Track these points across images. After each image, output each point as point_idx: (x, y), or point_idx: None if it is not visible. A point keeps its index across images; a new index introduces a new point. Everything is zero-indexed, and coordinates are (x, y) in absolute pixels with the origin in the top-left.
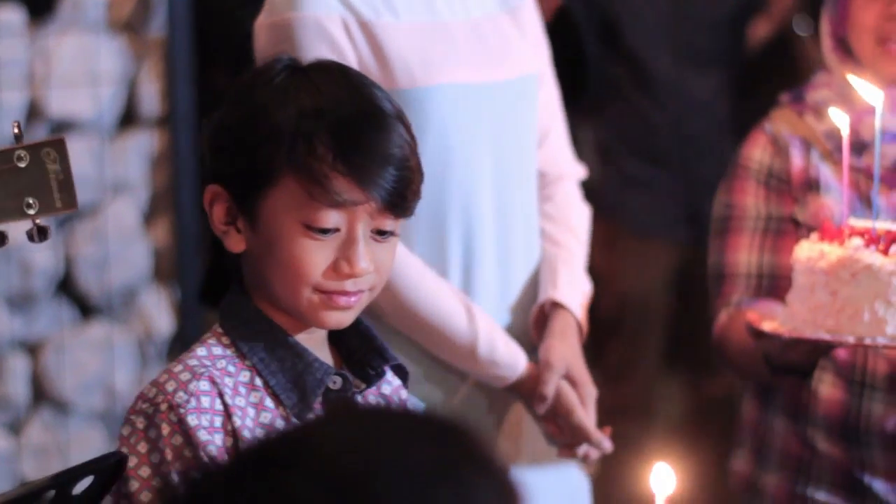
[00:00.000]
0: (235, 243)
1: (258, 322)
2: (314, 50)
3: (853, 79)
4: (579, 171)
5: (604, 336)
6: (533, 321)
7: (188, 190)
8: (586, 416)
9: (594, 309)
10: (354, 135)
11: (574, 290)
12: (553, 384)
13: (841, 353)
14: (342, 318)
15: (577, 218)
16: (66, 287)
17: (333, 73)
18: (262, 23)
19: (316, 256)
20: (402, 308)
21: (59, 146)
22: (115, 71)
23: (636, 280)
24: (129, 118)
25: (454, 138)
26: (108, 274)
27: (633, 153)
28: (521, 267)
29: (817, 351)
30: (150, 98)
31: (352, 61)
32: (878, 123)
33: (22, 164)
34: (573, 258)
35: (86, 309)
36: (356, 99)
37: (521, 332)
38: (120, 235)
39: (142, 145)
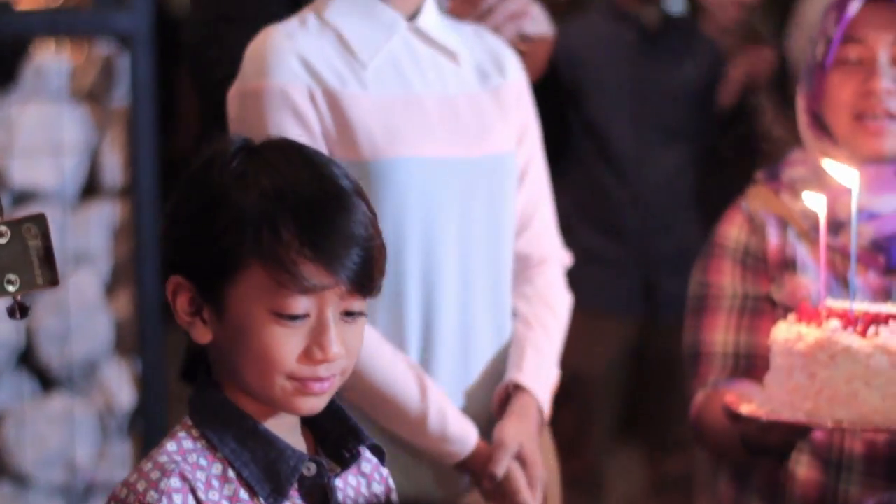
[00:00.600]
0: (202, 334)
1: (227, 412)
2: (279, 118)
3: (828, 163)
4: (564, 258)
5: (556, 409)
6: (495, 401)
7: (150, 261)
8: (532, 498)
9: None
10: (318, 217)
11: (540, 375)
12: (504, 463)
13: (818, 434)
14: (316, 404)
15: (555, 303)
16: (27, 359)
17: (290, 152)
18: (233, 91)
19: (287, 344)
20: (354, 378)
21: (40, 221)
22: (78, 141)
23: (591, 355)
24: (91, 188)
25: (415, 212)
26: (69, 346)
27: (592, 226)
28: (484, 346)
29: (795, 433)
30: (113, 168)
31: (315, 130)
32: (854, 205)
33: (2, 241)
34: (544, 342)
35: (46, 381)
36: (316, 178)
37: (483, 410)
38: (81, 307)
39: (104, 216)
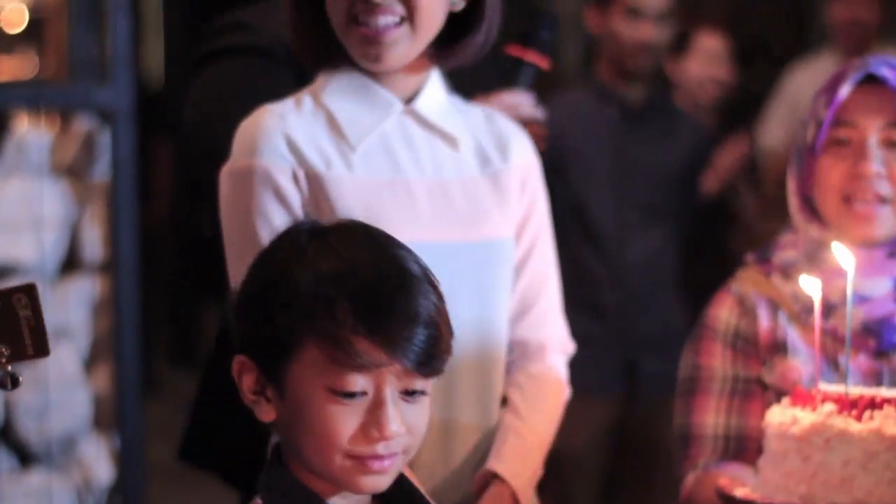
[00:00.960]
0: (266, 413)
1: (296, 491)
2: (263, 198)
3: (835, 245)
4: (567, 346)
5: (537, 491)
6: (474, 488)
7: (129, 336)
8: None
9: None
10: (375, 296)
11: (520, 464)
12: None
13: None
14: (378, 483)
15: (548, 393)
16: (6, 434)
17: (356, 235)
18: (224, 170)
19: (344, 422)
20: None
21: (30, 292)
22: (58, 215)
23: (571, 434)
24: (71, 263)
25: None
26: (47, 421)
27: (572, 304)
28: (468, 433)
29: None
30: (93, 243)
31: (297, 211)
32: (849, 289)
33: None
34: (529, 432)
35: (25, 457)
36: (378, 260)
37: (464, 498)
38: (61, 382)
39: (84, 291)
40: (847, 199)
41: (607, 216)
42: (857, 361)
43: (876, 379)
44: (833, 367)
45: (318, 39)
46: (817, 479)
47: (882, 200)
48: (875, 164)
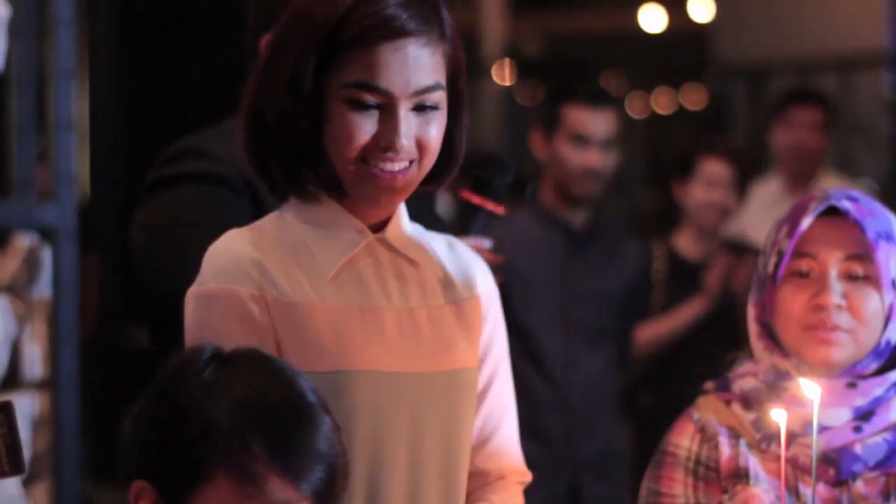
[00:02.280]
0: None
1: None
2: (230, 322)
3: (801, 381)
4: (525, 476)
5: None
6: None
7: (70, 454)
8: None
9: None
10: (287, 432)
11: None
12: None
13: None
14: None
15: None
16: None
17: (259, 364)
18: (190, 292)
19: None
20: None
21: (7, 410)
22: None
23: None
24: (11, 379)
25: (364, 426)
26: None
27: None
28: None
29: None
30: (33, 360)
31: (269, 337)
32: (815, 419)
33: None
34: None
35: None
36: (285, 392)
37: None
38: (1, 501)
39: (23, 408)
40: (807, 329)
41: (552, 339)
42: (818, 490)
43: None
44: (794, 495)
45: (286, 171)
46: None
47: (842, 331)
48: (835, 296)
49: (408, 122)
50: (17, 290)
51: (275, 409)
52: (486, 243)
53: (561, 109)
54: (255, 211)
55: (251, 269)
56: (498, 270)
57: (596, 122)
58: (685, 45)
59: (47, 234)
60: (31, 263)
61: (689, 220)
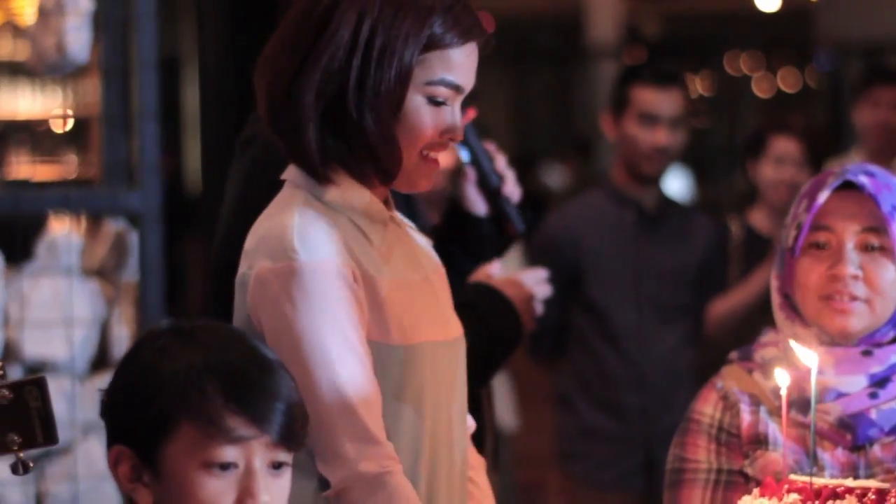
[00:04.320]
0: (143, 498)
1: None
2: (337, 291)
3: (794, 344)
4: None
5: None
6: None
7: None
8: None
9: None
10: (241, 377)
11: None
12: None
13: None
14: None
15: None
16: None
17: (220, 330)
18: (268, 268)
19: (219, 495)
20: None
21: (40, 384)
22: (88, 314)
23: None
24: (100, 360)
25: (431, 394)
26: None
27: (593, 403)
28: None
29: None
30: (121, 341)
31: (363, 306)
32: (813, 384)
33: (5, 402)
34: None
35: None
36: (242, 349)
37: None
38: (90, 475)
39: None
40: (825, 299)
41: (626, 317)
42: (835, 455)
43: (853, 472)
44: (812, 460)
45: (323, 147)
46: None
47: (856, 300)
48: (851, 266)
49: None
50: (107, 273)
51: (230, 359)
52: (543, 274)
53: (629, 90)
54: None
55: (341, 245)
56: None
57: (663, 102)
58: (797, 23)
59: (134, 220)
60: (119, 248)
61: (763, 197)
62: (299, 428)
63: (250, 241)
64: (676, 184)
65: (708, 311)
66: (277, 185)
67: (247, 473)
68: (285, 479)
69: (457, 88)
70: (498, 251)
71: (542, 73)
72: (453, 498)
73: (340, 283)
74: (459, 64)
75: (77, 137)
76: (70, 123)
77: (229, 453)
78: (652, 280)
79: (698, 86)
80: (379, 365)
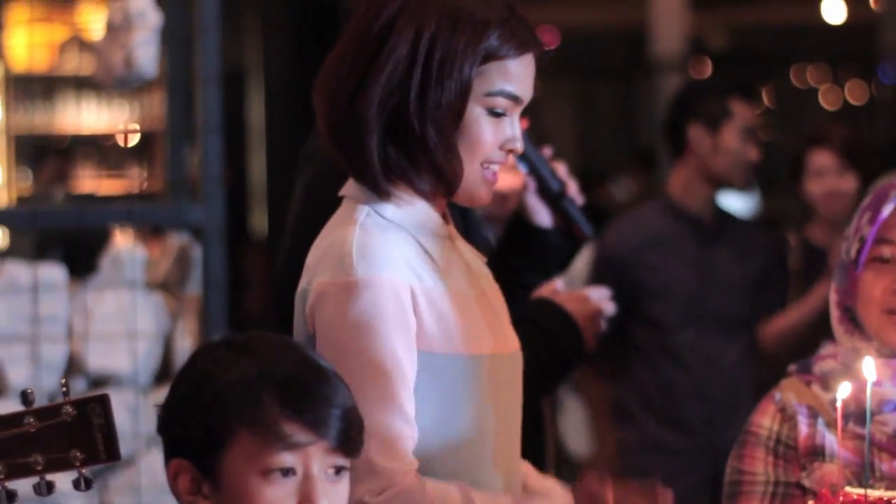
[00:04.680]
0: None
1: None
2: (393, 307)
3: (866, 359)
4: None
5: None
6: None
7: None
8: None
9: None
10: (297, 384)
11: None
12: None
13: None
14: None
15: None
16: None
17: (271, 340)
18: (327, 282)
19: (279, 501)
20: None
21: (103, 401)
22: (152, 327)
23: None
24: (164, 373)
25: (496, 405)
26: None
27: (655, 417)
28: None
29: None
30: (184, 354)
31: (413, 327)
32: (868, 389)
33: (69, 419)
34: None
35: None
36: (297, 358)
37: None
38: (153, 487)
39: None
40: (887, 311)
41: (688, 331)
42: (893, 467)
43: None
44: (870, 471)
45: (385, 161)
46: None
47: None
48: None
49: None
50: (170, 287)
51: (285, 367)
52: (606, 292)
53: (729, 103)
54: None
55: (401, 262)
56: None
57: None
58: (863, 34)
59: (197, 234)
60: (182, 261)
61: (816, 212)
62: (356, 433)
63: (312, 257)
64: (742, 198)
65: (767, 326)
66: (338, 201)
67: (306, 479)
68: (344, 484)
69: (515, 99)
70: (564, 261)
71: (608, 87)
72: None
73: (397, 301)
74: (517, 75)
75: (143, 152)
76: (136, 138)
77: (287, 459)
78: (712, 294)
79: (765, 98)
80: (445, 376)
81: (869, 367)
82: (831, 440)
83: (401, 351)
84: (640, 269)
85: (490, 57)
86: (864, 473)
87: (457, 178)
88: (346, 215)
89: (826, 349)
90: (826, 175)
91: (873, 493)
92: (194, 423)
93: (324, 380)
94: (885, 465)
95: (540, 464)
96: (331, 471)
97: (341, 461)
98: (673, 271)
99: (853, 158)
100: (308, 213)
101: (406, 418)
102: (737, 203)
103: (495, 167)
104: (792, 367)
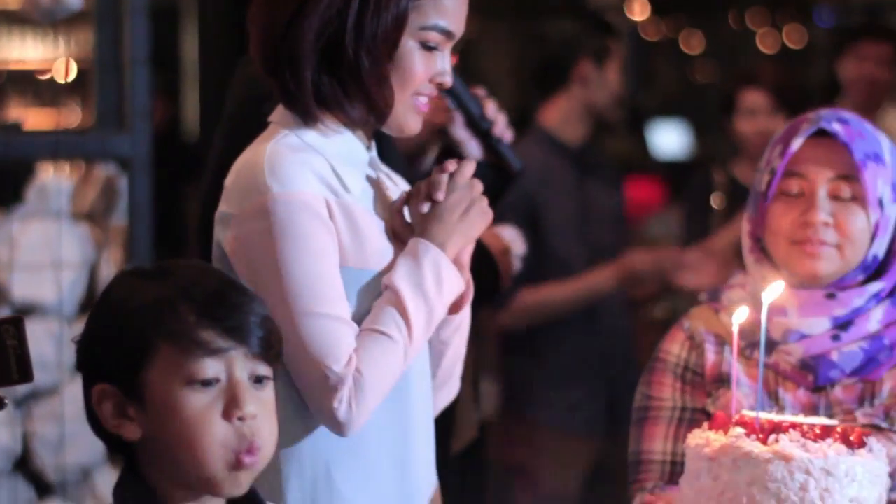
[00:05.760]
0: (132, 432)
1: (147, 500)
2: (310, 226)
3: (773, 282)
4: None
5: None
6: None
7: None
8: None
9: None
10: (215, 295)
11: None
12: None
13: None
14: (242, 481)
15: None
16: (23, 466)
17: (188, 263)
18: (244, 205)
19: (206, 409)
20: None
21: (17, 324)
22: (77, 258)
23: (554, 474)
24: (89, 303)
25: None
26: (63, 454)
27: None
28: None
29: None
30: None
31: (336, 239)
32: (764, 312)
33: None
34: None
35: (41, 487)
36: (213, 277)
37: None
38: (77, 416)
39: None
40: (796, 243)
41: (576, 260)
42: (797, 395)
43: (814, 412)
44: (774, 399)
45: (316, 89)
46: (725, 497)
47: (828, 246)
48: (822, 214)
49: None
50: (96, 218)
51: (202, 285)
52: (516, 231)
53: (613, 41)
54: None
55: (314, 176)
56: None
57: None
58: None
59: (124, 165)
60: (108, 193)
61: (743, 150)
62: (275, 341)
63: (229, 179)
64: (677, 137)
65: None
66: (262, 125)
67: (230, 385)
68: (268, 392)
69: (448, 34)
70: (495, 195)
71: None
72: (423, 415)
73: (312, 214)
74: (451, 10)
75: (80, 86)
76: (72, 73)
77: (210, 367)
78: (595, 225)
79: (701, 41)
80: (355, 290)
81: (775, 289)
82: (738, 368)
83: (327, 267)
84: (535, 204)
85: None
86: (766, 401)
87: (388, 108)
88: (263, 138)
89: (736, 279)
90: (757, 114)
91: (765, 416)
92: (114, 346)
93: (240, 292)
94: (789, 394)
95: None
96: (254, 379)
97: (263, 369)
98: (562, 202)
99: (784, 99)
100: (230, 139)
101: (342, 319)
102: (672, 142)
103: (424, 99)
104: (702, 296)
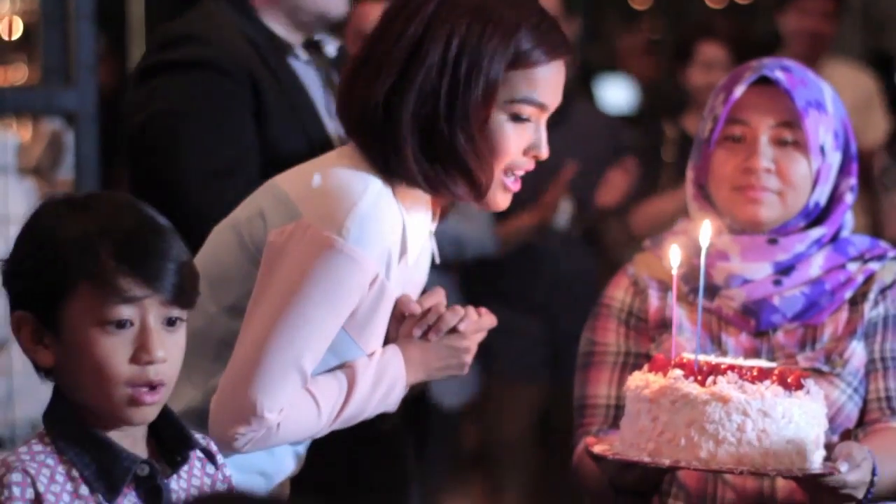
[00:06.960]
0: (44, 358)
1: (73, 421)
2: (354, 288)
3: (704, 224)
4: None
5: (471, 472)
6: None
7: None
8: None
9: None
10: (134, 240)
11: None
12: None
13: (691, 481)
14: (147, 414)
15: None
16: None
17: (113, 197)
18: (312, 227)
19: (116, 352)
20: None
21: None
22: (23, 211)
23: (501, 422)
24: None
25: None
26: (12, 408)
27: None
28: None
29: (649, 473)
30: None
31: (353, 306)
32: (703, 258)
33: None
34: None
35: None
36: (135, 215)
37: None
38: (26, 370)
39: None
40: (737, 189)
41: None
42: (739, 340)
43: (756, 356)
44: (717, 344)
45: (433, 173)
46: (664, 438)
47: (769, 192)
48: (764, 160)
49: None
50: (43, 172)
51: (123, 224)
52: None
53: None
54: (254, 101)
55: (386, 249)
56: None
57: None
58: None
59: (70, 119)
60: (54, 147)
61: (695, 102)
62: (190, 287)
63: (301, 186)
64: (623, 92)
65: (638, 211)
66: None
67: (142, 331)
68: (180, 334)
69: (541, 107)
70: None
71: None
72: None
73: (358, 282)
74: (544, 82)
75: (26, 43)
76: (18, 30)
77: (124, 312)
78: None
79: None
80: (336, 352)
81: (705, 230)
82: (680, 313)
83: (331, 325)
84: None
85: (518, 62)
86: (710, 345)
87: (488, 184)
88: (359, 176)
89: (679, 225)
90: (713, 67)
91: (704, 359)
92: (36, 276)
93: (160, 235)
94: (732, 339)
95: None
96: (166, 322)
97: (177, 312)
98: None
99: (741, 53)
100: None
101: (303, 373)
102: (618, 95)
103: (519, 174)
104: (646, 243)
